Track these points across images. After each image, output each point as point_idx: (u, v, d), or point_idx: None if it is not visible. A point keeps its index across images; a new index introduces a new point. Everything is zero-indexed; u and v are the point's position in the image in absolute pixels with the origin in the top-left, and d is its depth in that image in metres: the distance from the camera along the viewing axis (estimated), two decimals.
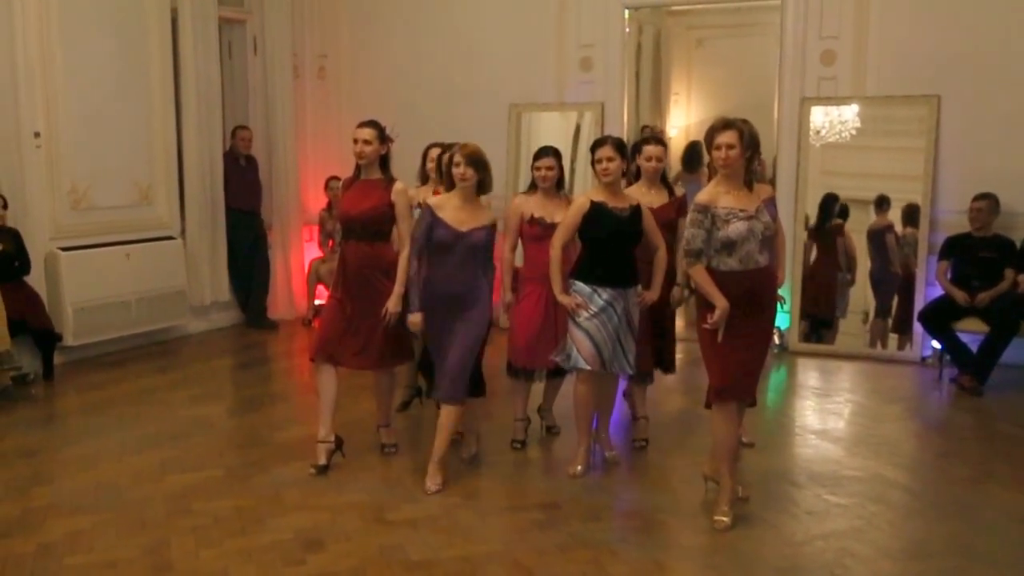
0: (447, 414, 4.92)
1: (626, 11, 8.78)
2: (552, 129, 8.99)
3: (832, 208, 8.00)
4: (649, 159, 5.44)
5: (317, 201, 9.53)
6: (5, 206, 6.72)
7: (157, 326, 8.06)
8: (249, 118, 9.19)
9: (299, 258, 9.49)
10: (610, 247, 5.01)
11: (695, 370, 7.23)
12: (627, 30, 8.94)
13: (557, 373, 5.50)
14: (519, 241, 5.49)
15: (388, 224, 5.19)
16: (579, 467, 5.11)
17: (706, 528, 4.45)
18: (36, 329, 6.70)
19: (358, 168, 5.23)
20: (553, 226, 5.28)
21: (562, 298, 4.98)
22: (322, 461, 5.10)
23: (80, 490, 4.89)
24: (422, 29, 9.29)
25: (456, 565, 4.08)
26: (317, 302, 9.11)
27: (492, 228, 5.00)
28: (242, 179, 8.86)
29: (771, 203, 5.10)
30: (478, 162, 4.83)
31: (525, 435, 5.62)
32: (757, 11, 11.48)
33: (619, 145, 5.11)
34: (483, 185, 4.91)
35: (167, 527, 4.43)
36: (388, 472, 5.20)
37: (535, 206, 5.44)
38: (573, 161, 8.91)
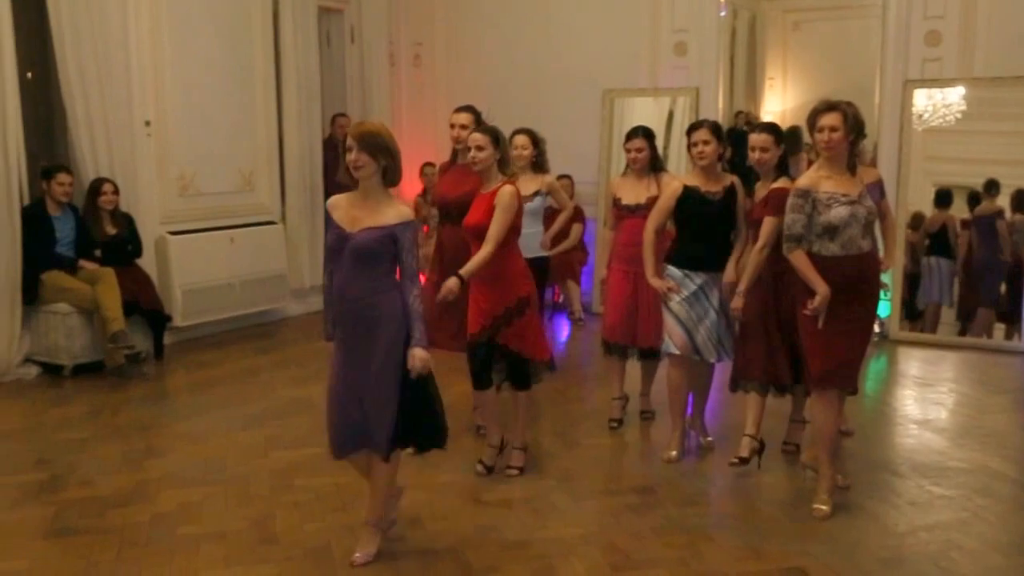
0: (377, 470, 3.94)
1: None
2: (645, 115, 8.89)
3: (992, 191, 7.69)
4: (753, 150, 5.20)
5: (412, 187, 9.63)
6: (117, 192, 6.97)
7: (259, 308, 8.23)
8: (347, 106, 9.33)
9: None
10: (702, 231, 4.98)
11: None
12: (723, 14, 8.81)
13: (650, 355, 5.49)
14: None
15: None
16: (673, 452, 5.08)
17: (805, 516, 4.38)
18: (147, 310, 6.93)
19: (455, 153, 5.30)
20: (630, 208, 5.35)
21: (653, 281, 4.96)
22: None
23: (190, 464, 5.05)
24: (516, 16, 9.32)
25: (551, 546, 4.11)
26: None
27: (395, 228, 3.76)
28: (340, 166, 9.00)
29: (877, 187, 4.98)
30: (374, 146, 3.72)
31: (622, 414, 5.63)
32: None
33: (715, 128, 5.06)
34: (387, 174, 3.78)
35: (272, 501, 4.57)
36: (482, 453, 5.24)
37: (621, 188, 5.50)
38: (666, 147, 8.82)
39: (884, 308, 7.56)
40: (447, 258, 5.22)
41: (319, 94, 8.93)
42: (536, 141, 5.70)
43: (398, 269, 3.89)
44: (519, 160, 5.58)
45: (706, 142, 4.94)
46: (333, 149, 9.03)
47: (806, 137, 5.19)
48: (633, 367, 5.64)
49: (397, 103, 9.68)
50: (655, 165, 5.49)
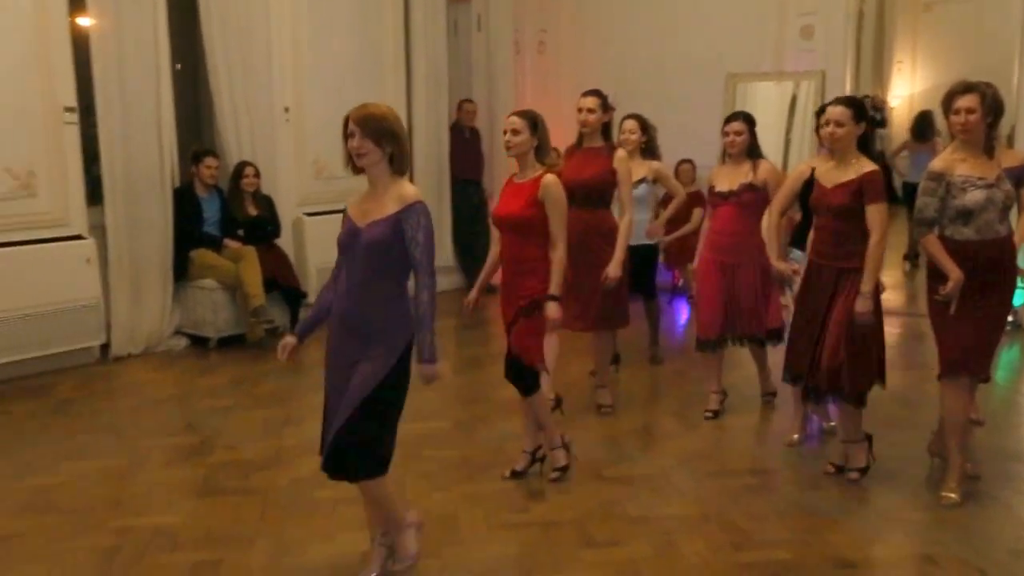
0: (363, 489, 3.51)
1: None
2: (768, 99, 8.73)
3: None
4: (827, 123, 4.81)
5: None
6: (258, 175, 7.23)
7: None
8: (472, 92, 9.42)
9: None
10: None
11: (916, 345, 6.93)
12: None
13: (756, 341, 5.35)
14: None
15: (609, 191, 5.21)
16: (795, 436, 4.99)
17: (931, 504, 4.25)
18: (285, 287, 7.18)
19: (580, 136, 5.29)
20: (723, 195, 5.19)
21: (778, 264, 4.83)
22: None
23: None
24: (640, 1, 9.22)
25: (673, 523, 4.10)
26: None
27: (399, 214, 3.27)
28: (466, 150, 9.11)
29: (1018, 170, 4.71)
30: (378, 131, 3.28)
31: (720, 406, 5.47)
32: None
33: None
34: (394, 161, 3.33)
35: (403, 470, 4.64)
36: (605, 431, 5.26)
37: (718, 175, 5.34)
38: (788, 132, 8.63)
39: (1019, 296, 7.21)
40: (571, 239, 5.22)
41: (446, 81, 9.05)
42: (645, 126, 5.59)
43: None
44: (627, 145, 5.54)
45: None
46: (459, 134, 9.18)
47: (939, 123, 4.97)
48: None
49: (521, 89, 9.71)
50: (753, 151, 5.25)
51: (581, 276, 5.14)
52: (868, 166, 4.36)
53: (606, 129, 5.28)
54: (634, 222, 5.28)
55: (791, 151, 8.53)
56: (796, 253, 4.92)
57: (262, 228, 7.19)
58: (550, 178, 4.28)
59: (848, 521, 4.13)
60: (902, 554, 3.90)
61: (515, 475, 4.57)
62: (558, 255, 4.30)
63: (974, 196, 4.03)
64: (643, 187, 5.62)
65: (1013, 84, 7.69)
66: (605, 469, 4.71)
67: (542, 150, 4.35)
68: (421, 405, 5.54)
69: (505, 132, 4.41)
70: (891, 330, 7.68)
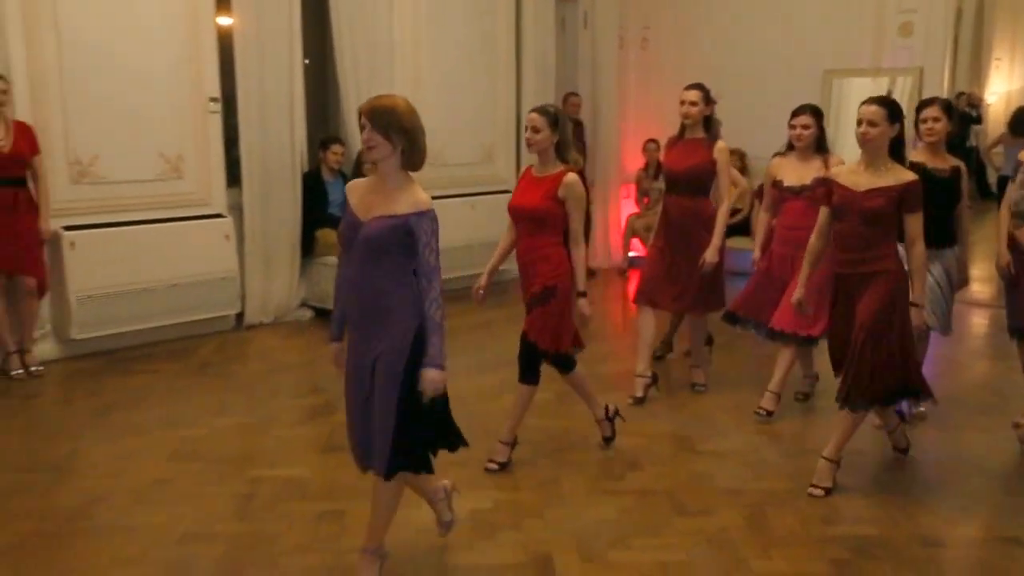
0: (379, 490, 3.29)
1: None
2: (864, 95, 8.52)
3: None
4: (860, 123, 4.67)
5: (635, 161, 9.72)
6: (584, 179, 7.42)
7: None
8: (578, 86, 9.49)
9: (617, 213, 9.76)
10: (927, 207, 4.73)
11: (1006, 336, 6.74)
12: None
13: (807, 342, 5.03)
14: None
15: (709, 180, 5.24)
16: (878, 420, 4.95)
17: (1019, 489, 4.24)
18: None
19: (683, 128, 5.32)
20: (794, 190, 5.00)
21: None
22: (639, 393, 5.29)
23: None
24: None
25: (763, 496, 4.17)
26: (632, 254, 9.35)
27: (409, 218, 3.03)
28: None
29: None
30: (389, 124, 3.06)
31: (811, 391, 5.43)
32: None
33: (947, 107, 4.76)
34: (405, 156, 3.11)
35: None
36: (697, 408, 5.34)
37: (782, 168, 5.13)
38: None
39: None
40: (672, 225, 5.30)
41: (554, 75, 9.16)
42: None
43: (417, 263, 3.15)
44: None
45: (936, 119, 4.67)
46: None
47: None
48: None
49: (624, 83, 9.75)
50: (820, 145, 5.05)
51: (680, 260, 5.21)
52: (907, 175, 4.02)
53: (707, 121, 5.30)
54: None
55: None
56: None
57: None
58: (572, 177, 4.22)
59: (935, 501, 4.14)
60: (988, 535, 3.89)
61: (498, 465, 4.42)
62: (581, 253, 4.28)
63: None
64: None
65: None
66: (698, 444, 4.80)
67: (563, 146, 4.26)
68: None
69: (527, 129, 4.32)
70: (980, 321, 7.55)
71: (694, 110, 5.19)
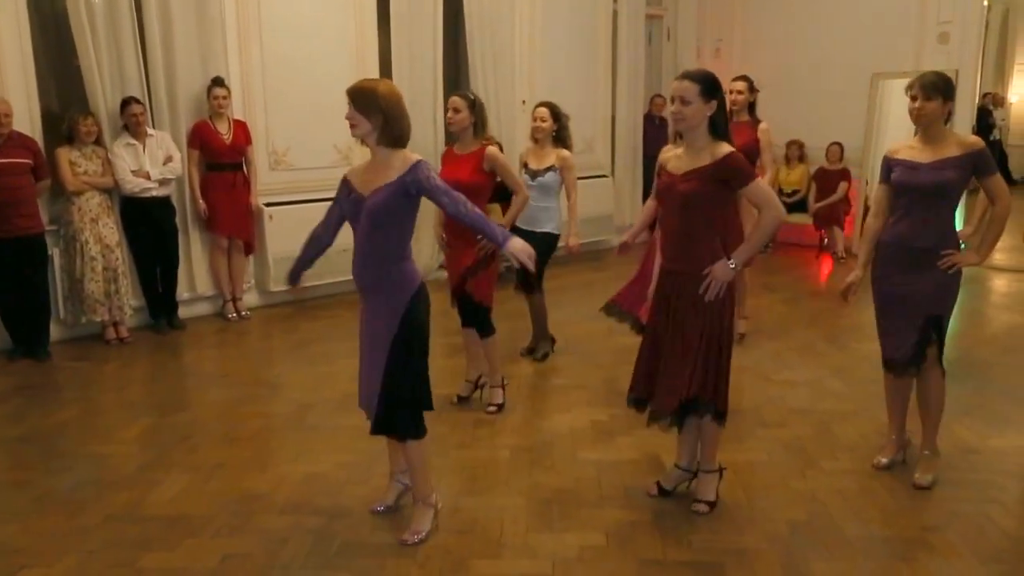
0: (405, 451, 3.11)
1: None
2: (903, 94, 8.39)
3: None
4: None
5: None
6: (501, 150, 7.68)
7: (592, 239, 8.58)
8: (662, 89, 9.56)
9: None
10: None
11: None
12: (986, 3, 8.11)
13: None
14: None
15: (754, 157, 4.99)
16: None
17: None
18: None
19: (731, 112, 5.06)
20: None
21: None
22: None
23: (560, 339, 5.54)
24: (800, 12, 9.09)
25: (828, 415, 4.28)
26: None
27: (403, 177, 2.84)
28: (655, 134, 9.27)
29: None
30: (365, 104, 2.85)
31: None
32: None
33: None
34: (384, 132, 2.88)
35: (614, 368, 5.03)
36: (772, 348, 5.38)
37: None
38: None
39: None
40: None
41: (643, 80, 9.26)
42: (557, 115, 4.74)
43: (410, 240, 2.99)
44: (538, 132, 4.78)
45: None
46: (651, 122, 9.39)
47: None
48: None
49: None
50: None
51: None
52: (724, 148, 2.99)
53: (751, 107, 5.28)
54: (540, 208, 4.73)
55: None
56: None
57: (504, 189, 7.64)
58: (492, 149, 4.03)
59: (972, 418, 4.18)
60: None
61: (461, 400, 4.42)
62: (522, 196, 4.17)
63: None
64: (550, 175, 4.72)
65: None
66: (772, 375, 4.92)
67: (479, 126, 4.02)
68: (625, 327, 5.67)
69: (447, 111, 4.08)
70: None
71: (740, 98, 5.15)
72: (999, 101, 12.50)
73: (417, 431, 3.03)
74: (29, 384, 4.96)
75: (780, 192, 8.81)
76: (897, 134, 8.31)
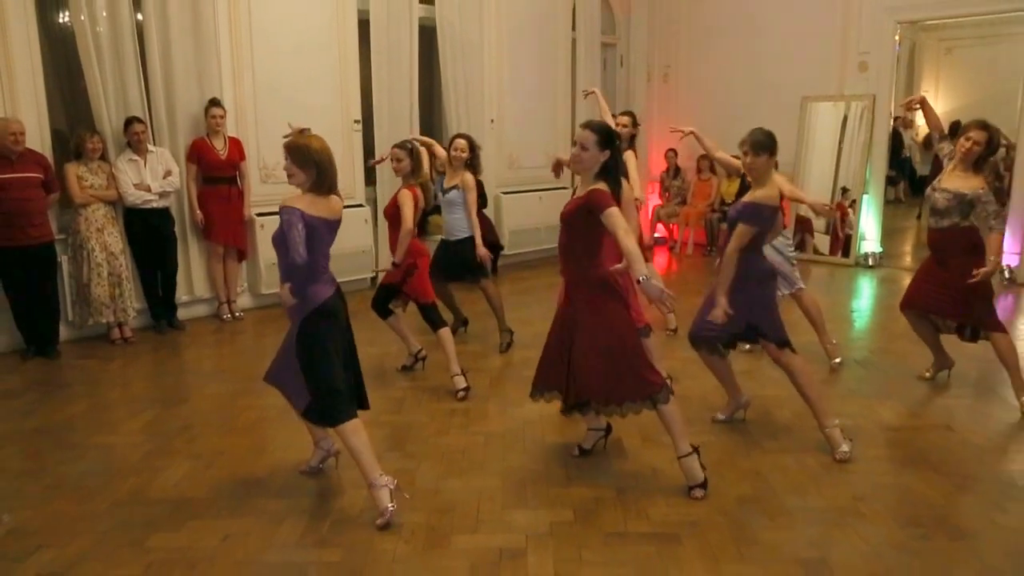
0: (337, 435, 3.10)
1: (898, 26, 8.15)
2: (828, 116, 8.58)
3: None
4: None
5: (659, 165, 9.83)
6: (432, 185, 7.55)
7: (553, 245, 8.70)
8: (617, 110, 9.52)
9: (645, 204, 9.83)
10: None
11: None
12: (897, 38, 8.30)
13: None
14: None
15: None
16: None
17: None
18: (490, 242, 7.58)
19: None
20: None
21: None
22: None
23: (526, 336, 5.52)
24: (736, 43, 9.22)
25: (767, 401, 4.33)
26: (656, 235, 9.50)
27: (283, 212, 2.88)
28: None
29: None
30: (303, 159, 2.93)
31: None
32: (1005, 23, 10.09)
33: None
34: (316, 183, 2.95)
35: None
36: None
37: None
38: (841, 142, 8.48)
39: None
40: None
41: None
42: (472, 146, 5.07)
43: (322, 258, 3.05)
44: (456, 161, 5.03)
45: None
46: None
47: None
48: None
49: (650, 109, 9.83)
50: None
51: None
52: (598, 185, 3.06)
53: (632, 139, 5.16)
54: (452, 219, 5.13)
55: (841, 164, 8.44)
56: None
57: (437, 208, 7.54)
58: (402, 192, 4.31)
59: (893, 400, 4.22)
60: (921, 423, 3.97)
61: (404, 369, 4.73)
62: (404, 229, 4.31)
63: None
64: (454, 192, 5.11)
65: (1016, 111, 7.35)
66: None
67: (415, 171, 4.34)
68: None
69: (391, 160, 4.38)
70: None
71: (625, 131, 5.05)
72: (908, 124, 12.79)
73: (323, 419, 3.05)
74: (41, 381, 4.83)
75: (722, 202, 8.93)
76: (823, 152, 8.48)
